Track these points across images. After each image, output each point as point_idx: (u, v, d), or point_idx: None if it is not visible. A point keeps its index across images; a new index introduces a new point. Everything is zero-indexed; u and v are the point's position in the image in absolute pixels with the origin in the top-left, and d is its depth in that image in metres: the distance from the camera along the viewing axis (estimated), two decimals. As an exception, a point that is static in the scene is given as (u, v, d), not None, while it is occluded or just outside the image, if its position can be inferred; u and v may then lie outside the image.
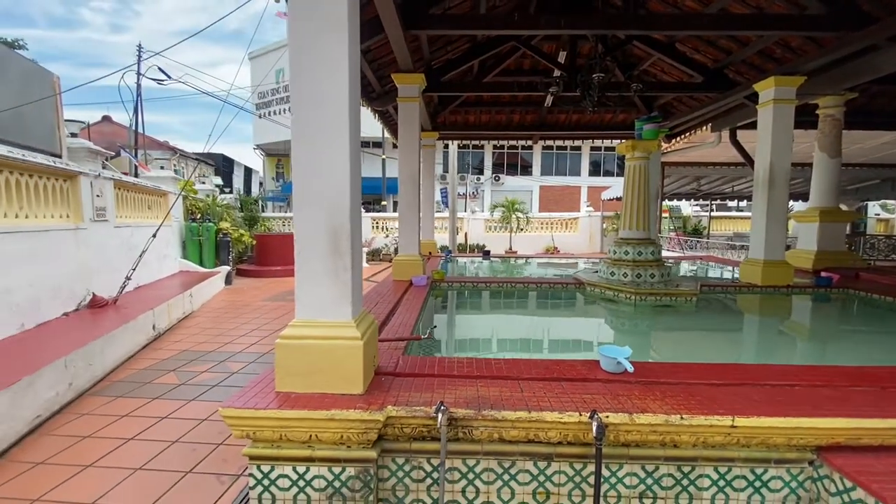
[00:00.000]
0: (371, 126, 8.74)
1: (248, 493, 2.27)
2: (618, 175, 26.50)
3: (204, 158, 28.27)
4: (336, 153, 2.09)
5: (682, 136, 8.76)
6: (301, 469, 1.96)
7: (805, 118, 6.81)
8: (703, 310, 4.70)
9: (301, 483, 1.97)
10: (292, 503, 1.98)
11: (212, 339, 5.48)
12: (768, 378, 2.35)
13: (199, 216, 10.10)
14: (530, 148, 27.94)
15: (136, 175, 9.73)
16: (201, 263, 9.25)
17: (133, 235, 6.57)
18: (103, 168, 7.02)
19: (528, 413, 1.91)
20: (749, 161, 7.03)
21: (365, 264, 14.07)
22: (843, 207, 17.95)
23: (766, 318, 4.89)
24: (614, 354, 2.31)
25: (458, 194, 23.61)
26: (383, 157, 23.08)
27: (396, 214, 6.28)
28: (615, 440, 1.93)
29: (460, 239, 17.32)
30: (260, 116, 26.18)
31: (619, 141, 5.94)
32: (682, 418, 1.87)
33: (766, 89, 5.38)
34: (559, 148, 28.32)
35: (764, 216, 5.45)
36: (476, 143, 27.09)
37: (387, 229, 16.65)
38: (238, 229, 11.12)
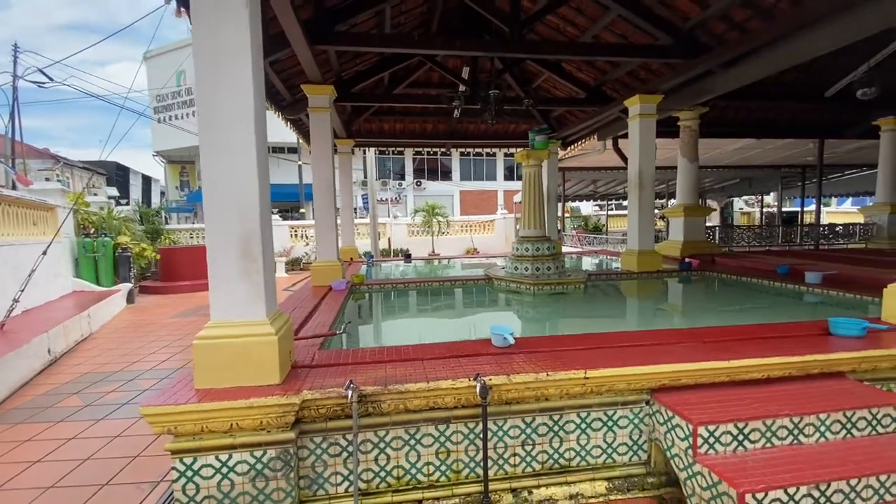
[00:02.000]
0: (287, 131, 8.66)
1: (171, 493, 2.38)
2: (530, 178, 28.19)
3: (93, 167, 25.53)
4: (244, 162, 2.26)
5: (576, 144, 9.79)
6: (223, 457, 2.14)
7: (670, 129, 8.03)
8: (589, 294, 5.45)
9: (224, 470, 2.15)
10: (216, 489, 2.15)
11: (116, 359, 5.22)
12: (620, 342, 2.94)
13: (93, 231, 9.30)
14: (449, 154, 28.89)
15: (14, 188, 8.73)
16: (97, 282, 8.55)
17: (17, 254, 6.00)
18: (-27, 182, 6.31)
19: (427, 384, 2.27)
20: (629, 166, 8.11)
21: (283, 274, 13.73)
22: (714, 204, 20.73)
23: (637, 298, 5.77)
24: (501, 331, 2.75)
25: (381, 200, 23.77)
26: (300, 163, 22.50)
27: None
28: (499, 399, 2.36)
29: (384, 244, 17.50)
30: (159, 121, 24.32)
31: (520, 149, 6.60)
32: (547, 375, 2.34)
33: (634, 105, 6.33)
34: (476, 154, 29.62)
35: (637, 213, 6.39)
36: (397, 149, 27.44)
37: (307, 237, 16.34)
38: (139, 243, 10.39)
